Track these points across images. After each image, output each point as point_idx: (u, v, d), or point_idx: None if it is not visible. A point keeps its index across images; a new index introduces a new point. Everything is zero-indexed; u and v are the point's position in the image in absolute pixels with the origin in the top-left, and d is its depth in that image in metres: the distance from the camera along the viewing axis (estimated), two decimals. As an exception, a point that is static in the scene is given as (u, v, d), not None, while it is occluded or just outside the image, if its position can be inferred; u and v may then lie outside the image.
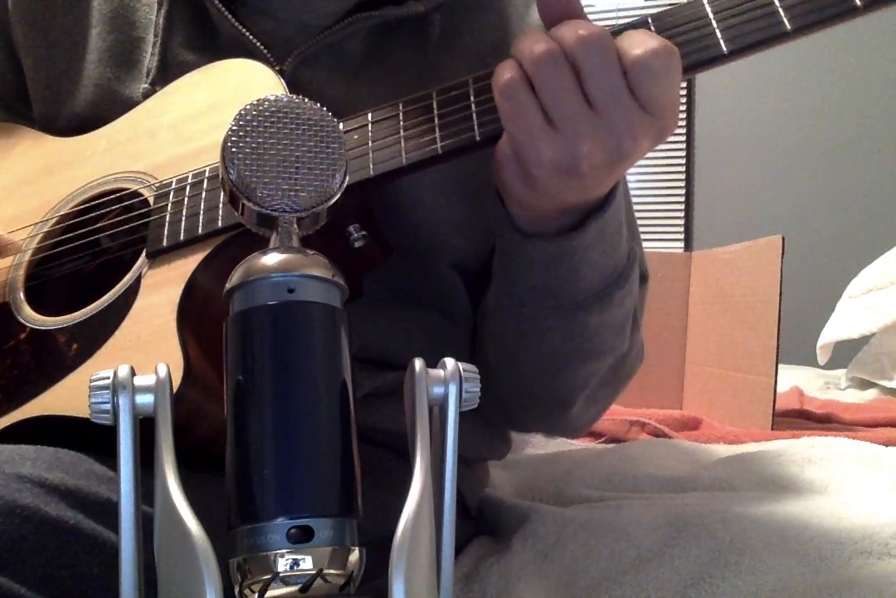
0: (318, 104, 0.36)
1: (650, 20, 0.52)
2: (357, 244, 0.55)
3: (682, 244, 3.12)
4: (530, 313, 0.60)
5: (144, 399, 0.32)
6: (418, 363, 0.34)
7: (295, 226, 0.35)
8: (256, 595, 0.29)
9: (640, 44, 0.48)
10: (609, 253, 0.59)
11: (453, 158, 0.54)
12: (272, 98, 0.35)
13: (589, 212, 0.56)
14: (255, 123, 0.35)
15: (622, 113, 0.48)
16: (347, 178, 0.36)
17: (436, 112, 0.54)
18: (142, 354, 0.52)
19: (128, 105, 0.67)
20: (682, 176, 3.12)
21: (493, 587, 0.63)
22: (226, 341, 0.33)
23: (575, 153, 0.49)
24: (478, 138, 0.53)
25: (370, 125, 0.56)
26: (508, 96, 0.49)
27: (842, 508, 0.68)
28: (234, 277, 0.33)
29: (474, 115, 0.53)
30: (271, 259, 0.33)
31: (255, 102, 0.35)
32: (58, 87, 0.71)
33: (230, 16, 0.65)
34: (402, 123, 0.55)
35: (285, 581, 0.29)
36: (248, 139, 0.34)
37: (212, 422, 0.50)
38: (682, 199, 3.13)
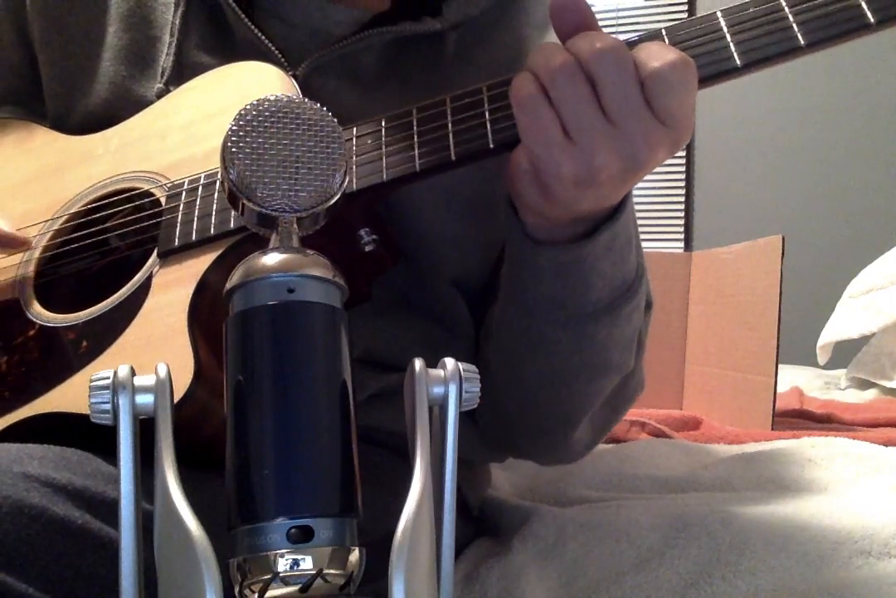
0: (319, 104, 0.36)
1: (664, 32, 0.52)
2: (367, 248, 0.56)
3: (682, 244, 3.12)
4: (539, 325, 0.60)
5: (144, 399, 0.32)
6: (418, 363, 0.34)
7: (295, 226, 0.35)
8: (256, 595, 0.29)
9: (657, 56, 0.48)
10: (619, 264, 0.59)
11: (466, 164, 0.54)
12: (272, 98, 0.35)
13: (600, 221, 0.56)
14: (254, 123, 0.35)
15: (638, 124, 0.48)
16: (348, 178, 0.36)
17: (450, 118, 0.54)
18: (151, 353, 0.53)
19: (141, 104, 0.67)
20: (682, 176, 3.12)
21: (494, 588, 0.63)
22: (226, 342, 0.33)
23: (592, 165, 0.49)
24: (491, 145, 0.53)
25: (384, 130, 0.56)
26: (527, 110, 0.49)
27: (842, 508, 0.68)
28: (234, 278, 0.33)
29: (488, 122, 0.53)
30: (271, 259, 0.33)
31: (255, 102, 0.35)
32: (72, 84, 0.71)
33: (246, 19, 0.65)
34: (416, 128, 0.55)
35: (285, 581, 0.29)
36: (248, 139, 0.34)
37: (221, 421, 0.50)
38: (682, 199, 3.13)
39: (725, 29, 0.51)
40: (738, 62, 0.50)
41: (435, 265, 0.67)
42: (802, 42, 0.49)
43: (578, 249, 0.56)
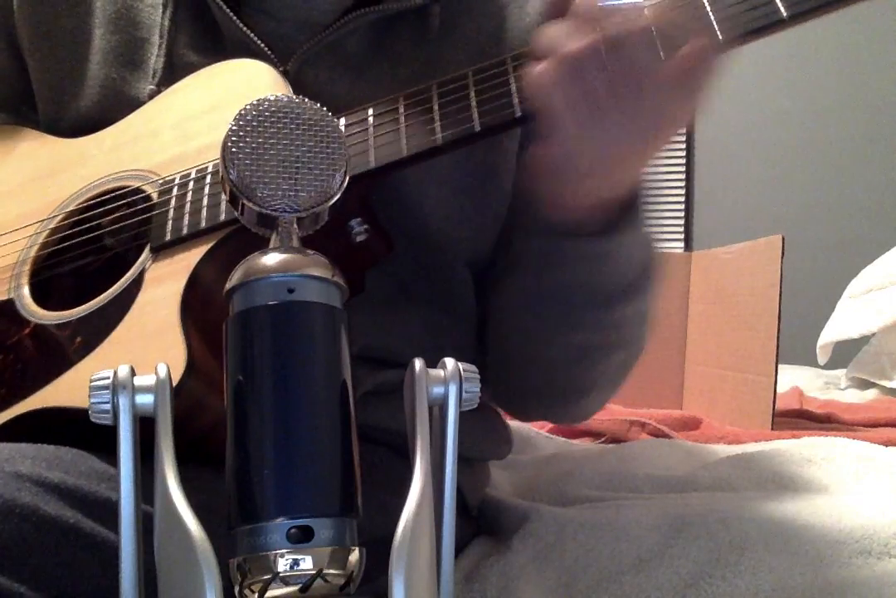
0: (318, 104, 0.36)
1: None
2: (359, 239, 0.56)
3: (682, 244, 3.12)
4: (563, 309, 0.61)
5: (144, 399, 0.32)
6: (418, 363, 0.34)
7: (295, 226, 0.35)
8: (256, 595, 0.29)
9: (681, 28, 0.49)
10: (640, 247, 0.60)
11: (454, 148, 0.54)
12: (272, 98, 0.35)
13: (622, 207, 0.57)
14: (255, 123, 0.35)
15: (663, 95, 0.49)
16: (348, 177, 0.36)
17: (436, 103, 0.55)
18: (145, 346, 0.53)
19: (133, 106, 0.67)
20: (682, 176, 3.12)
21: (493, 587, 0.63)
22: (226, 341, 0.33)
23: (620, 138, 0.49)
24: (477, 129, 0.53)
25: (371, 118, 0.57)
26: (554, 94, 0.49)
27: (842, 508, 0.67)
28: (234, 278, 0.33)
29: (474, 106, 0.54)
30: (271, 259, 0.33)
31: (254, 102, 0.35)
32: (62, 88, 0.71)
33: (234, 17, 0.65)
34: (402, 115, 0.56)
35: (285, 581, 0.29)
36: (248, 139, 0.34)
37: (213, 414, 0.50)
38: (682, 199, 3.13)
39: (708, 7, 0.50)
40: (720, 38, 0.50)
41: (443, 244, 0.67)
42: (785, 14, 0.49)
43: (606, 241, 0.56)
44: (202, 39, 0.68)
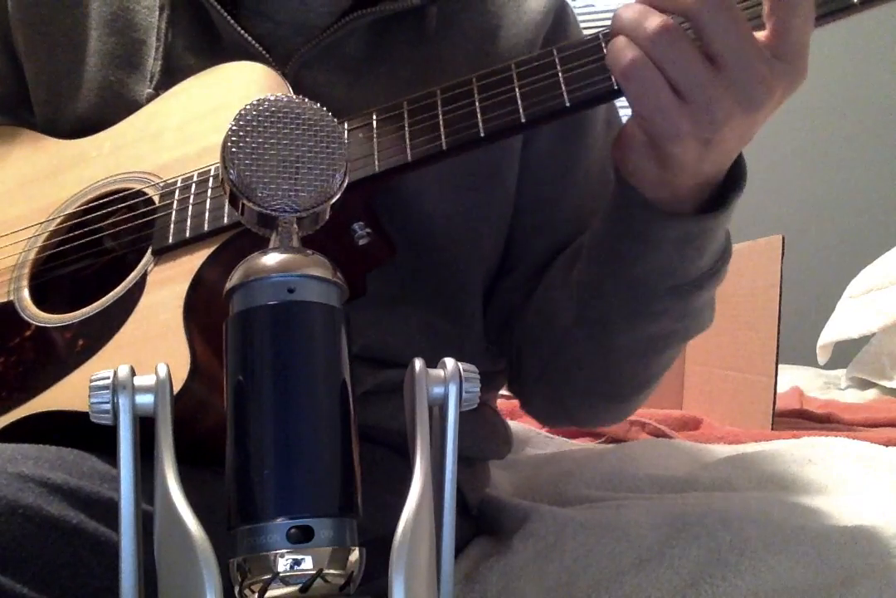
0: (318, 104, 0.36)
1: None
2: (361, 242, 0.56)
3: (682, 244, 3.11)
4: (644, 296, 0.59)
5: (144, 399, 0.32)
6: (418, 363, 0.34)
7: (295, 226, 0.35)
8: (256, 595, 0.29)
9: None
10: (724, 230, 0.58)
11: (457, 154, 0.54)
12: (272, 98, 0.35)
13: (724, 187, 0.55)
14: (254, 123, 0.35)
15: (750, 64, 0.47)
16: (348, 177, 0.36)
17: (440, 109, 0.55)
18: (148, 349, 0.53)
19: (131, 108, 0.67)
20: (682, 176, 3.11)
21: (493, 587, 0.63)
22: (226, 342, 0.33)
23: (713, 120, 0.48)
24: (482, 134, 0.53)
25: (375, 123, 0.57)
26: (633, 78, 0.48)
27: (842, 508, 0.68)
28: (234, 278, 0.33)
29: (478, 112, 0.54)
30: (271, 259, 0.33)
31: (254, 102, 0.35)
32: (59, 90, 0.71)
33: (231, 20, 0.65)
34: (406, 120, 0.56)
35: (285, 581, 0.29)
36: (248, 139, 0.34)
37: (218, 415, 0.50)
38: (682, 199, 3.12)
39: None
40: None
41: (443, 244, 0.67)
42: None
43: (711, 218, 0.55)
44: (199, 42, 0.68)
